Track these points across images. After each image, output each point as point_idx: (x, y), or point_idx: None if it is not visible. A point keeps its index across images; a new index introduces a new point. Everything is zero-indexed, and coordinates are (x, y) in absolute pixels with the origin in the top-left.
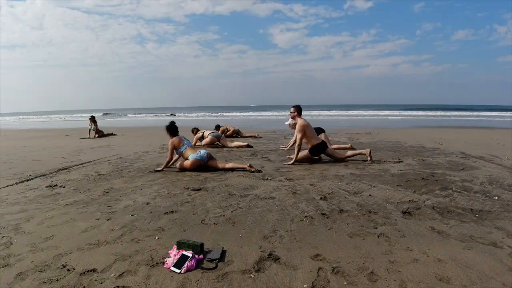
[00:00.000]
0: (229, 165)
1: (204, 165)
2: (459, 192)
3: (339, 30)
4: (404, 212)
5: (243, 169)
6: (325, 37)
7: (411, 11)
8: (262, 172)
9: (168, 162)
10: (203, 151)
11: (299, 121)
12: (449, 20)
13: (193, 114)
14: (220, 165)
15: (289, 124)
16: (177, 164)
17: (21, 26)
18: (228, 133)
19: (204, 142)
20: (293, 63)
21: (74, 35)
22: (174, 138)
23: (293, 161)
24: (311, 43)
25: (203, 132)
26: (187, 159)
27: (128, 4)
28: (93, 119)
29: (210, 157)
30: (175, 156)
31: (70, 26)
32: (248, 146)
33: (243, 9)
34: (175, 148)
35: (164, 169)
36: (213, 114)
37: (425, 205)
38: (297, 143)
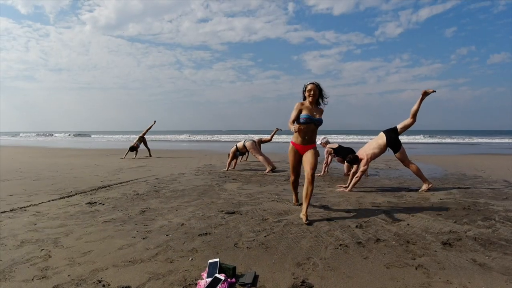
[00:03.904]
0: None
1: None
2: (503, 222)
3: (372, 56)
4: (444, 243)
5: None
6: (357, 62)
7: (443, 36)
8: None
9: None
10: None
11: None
12: (483, 44)
13: (225, 136)
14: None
15: (321, 143)
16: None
17: (69, 51)
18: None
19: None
20: (327, 88)
21: (117, 61)
22: None
23: (350, 188)
24: (345, 68)
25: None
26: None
27: (167, 33)
28: (142, 139)
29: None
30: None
31: (114, 52)
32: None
33: (276, 37)
34: None
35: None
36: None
37: (466, 236)
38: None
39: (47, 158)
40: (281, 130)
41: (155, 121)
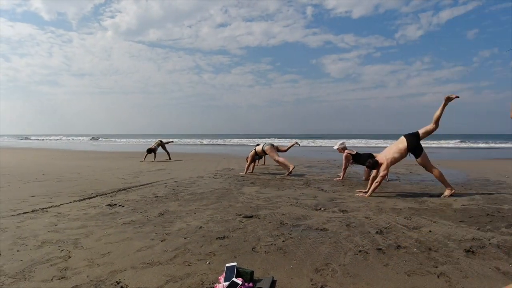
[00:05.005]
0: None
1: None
2: None
3: (392, 59)
4: (467, 251)
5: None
6: (377, 66)
7: (465, 38)
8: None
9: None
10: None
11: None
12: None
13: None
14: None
15: (338, 148)
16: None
17: (91, 57)
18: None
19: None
20: (346, 92)
21: (138, 66)
22: None
23: (369, 193)
24: (364, 72)
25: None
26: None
27: (187, 38)
28: (161, 143)
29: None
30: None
31: (135, 58)
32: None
33: (294, 40)
34: None
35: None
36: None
37: (490, 243)
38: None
39: (69, 160)
40: (298, 145)
41: (172, 141)
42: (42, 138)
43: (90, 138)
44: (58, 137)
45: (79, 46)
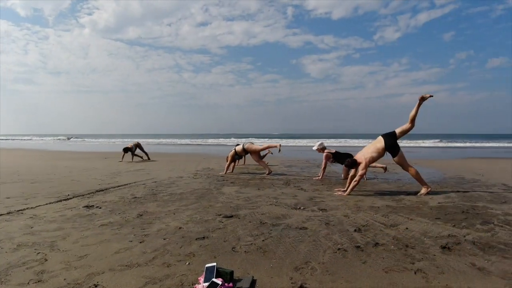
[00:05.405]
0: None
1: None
2: (501, 226)
3: (371, 60)
4: (443, 247)
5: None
6: (357, 66)
7: (442, 40)
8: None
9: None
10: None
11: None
12: (482, 48)
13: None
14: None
15: (317, 148)
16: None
17: (68, 54)
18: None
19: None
20: (326, 92)
21: (116, 64)
22: None
23: (348, 192)
24: (344, 72)
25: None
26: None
27: (167, 37)
28: (138, 145)
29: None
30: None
31: (113, 56)
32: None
33: (275, 40)
34: None
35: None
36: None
37: (465, 240)
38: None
39: (45, 161)
40: (272, 154)
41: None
42: (13, 138)
43: (57, 138)
44: (29, 137)
45: (55, 43)
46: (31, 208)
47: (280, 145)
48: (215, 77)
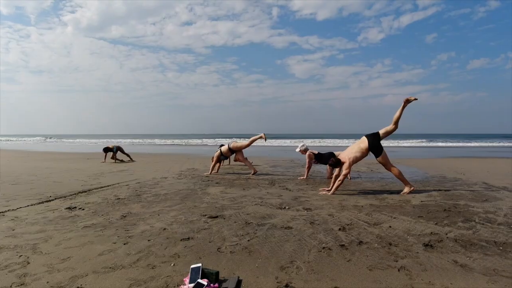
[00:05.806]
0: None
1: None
2: (483, 224)
3: (355, 61)
4: (425, 245)
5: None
6: (341, 67)
7: (424, 42)
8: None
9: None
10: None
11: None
12: (463, 50)
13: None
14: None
15: (300, 150)
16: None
17: (50, 53)
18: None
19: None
20: (310, 92)
21: (99, 63)
22: None
23: (332, 191)
24: (328, 73)
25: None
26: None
27: (151, 36)
28: (119, 148)
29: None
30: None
31: (96, 55)
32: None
33: (260, 41)
34: None
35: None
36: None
37: (447, 237)
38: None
39: (26, 162)
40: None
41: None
42: None
43: (35, 138)
44: (5, 138)
45: (37, 42)
46: (12, 210)
47: (264, 134)
48: (200, 77)
